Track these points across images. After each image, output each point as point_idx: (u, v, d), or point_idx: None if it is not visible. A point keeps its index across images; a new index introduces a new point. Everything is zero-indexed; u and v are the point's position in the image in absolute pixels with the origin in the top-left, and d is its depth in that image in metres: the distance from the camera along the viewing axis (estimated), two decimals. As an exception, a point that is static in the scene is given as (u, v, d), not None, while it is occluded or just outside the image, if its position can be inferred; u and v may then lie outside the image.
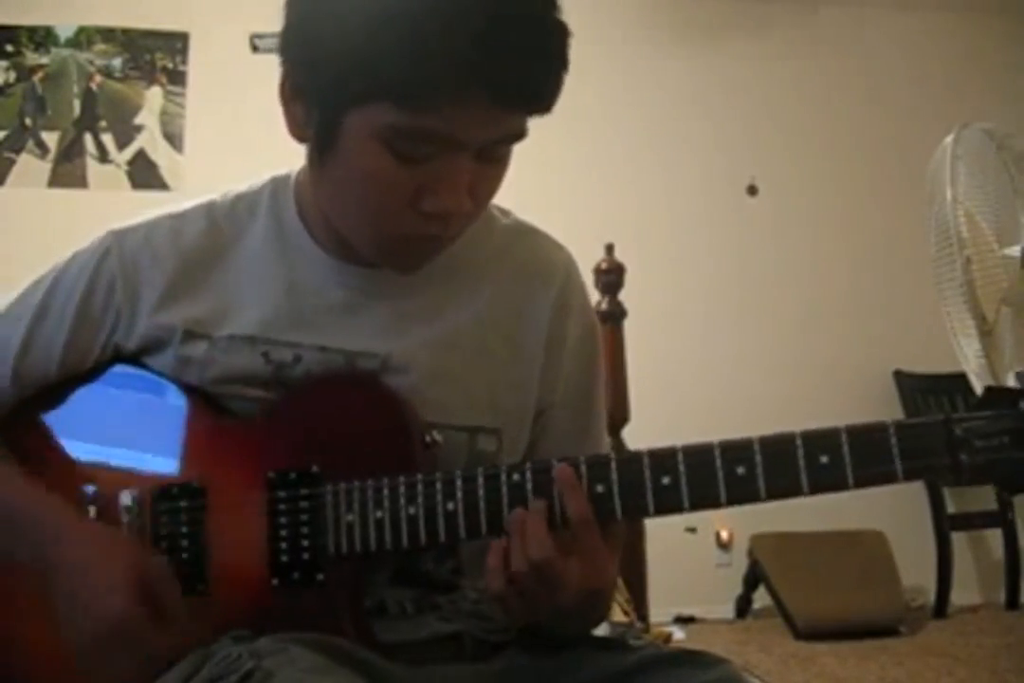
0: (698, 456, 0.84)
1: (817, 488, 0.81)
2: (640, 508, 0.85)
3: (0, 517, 0.95)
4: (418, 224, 0.90)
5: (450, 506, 0.87)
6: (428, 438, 0.94)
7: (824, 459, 0.81)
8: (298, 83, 0.91)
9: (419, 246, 0.94)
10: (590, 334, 1.08)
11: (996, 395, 0.80)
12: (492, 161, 0.90)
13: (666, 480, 0.84)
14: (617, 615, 1.82)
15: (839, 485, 0.81)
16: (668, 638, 2.70)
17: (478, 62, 0.81)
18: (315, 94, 0.90)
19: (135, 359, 1.02)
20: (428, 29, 0.80)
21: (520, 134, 0.89)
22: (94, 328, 1.01)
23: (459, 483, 0.88)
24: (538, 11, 0.85)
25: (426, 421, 0.95)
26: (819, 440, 0.82)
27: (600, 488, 0.85)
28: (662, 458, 0.84)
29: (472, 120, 0.84)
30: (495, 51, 0.81)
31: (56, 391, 1.03)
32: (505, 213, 1.09)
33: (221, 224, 1.03)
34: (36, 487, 0.96)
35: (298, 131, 0.94)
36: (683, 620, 3.77)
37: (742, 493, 0.82)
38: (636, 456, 0.85)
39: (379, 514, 0.89)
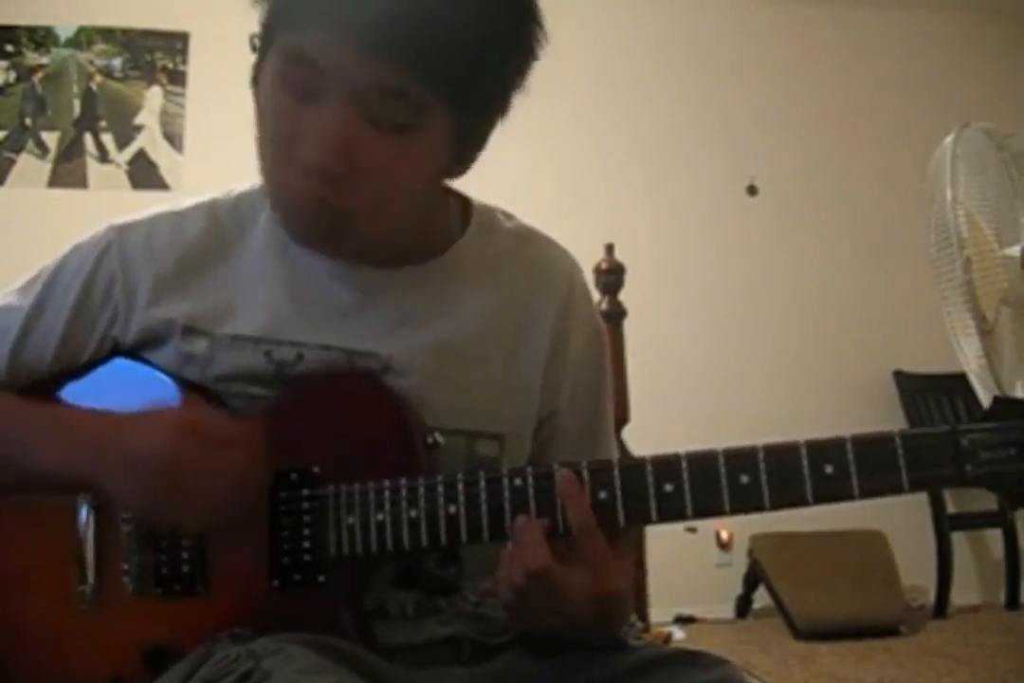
0: (702, 463, 0.83)
1: (822, 498, 0.81)
2: (643, 515, 0.84)
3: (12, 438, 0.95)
4: (295, 177, 0.89)
5: (452, 509, 0.87)
6: (430, 439, 0.94)
7: (829, 469, 0.80)
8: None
9: (308, 208, 0.90)
10: (596, 340, 1.08)
11: (1003, 406, 0.79)
12: (383, 128, 0.87)
13: (669, 487, 0.83)
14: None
15: (844, 495, 0.80)
16: (668, 638, 2.71)
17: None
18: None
19: (136, 353, 1.02)
20: None
21: (394, 92, 0.86)
22: (90, 324, 1.01)
23: (461, 486, 0.88)
24: None
25: (427, 423, 0.95)
26: (824, 450, 0.81)
27: (603, 495, 0.85)
28: (665, 465, 0.84)
29: (336, 53, 0.85)
30: None
31: (56, 383, 1.02)
32: (508, 216, 1.09)
33: (223, 222, 1.03)
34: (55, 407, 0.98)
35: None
36: (683, 620, 3.77)
37: (746, 502, 0.82)
38: (639, 463, 0.85)
39: (380, 516, 0.89)
